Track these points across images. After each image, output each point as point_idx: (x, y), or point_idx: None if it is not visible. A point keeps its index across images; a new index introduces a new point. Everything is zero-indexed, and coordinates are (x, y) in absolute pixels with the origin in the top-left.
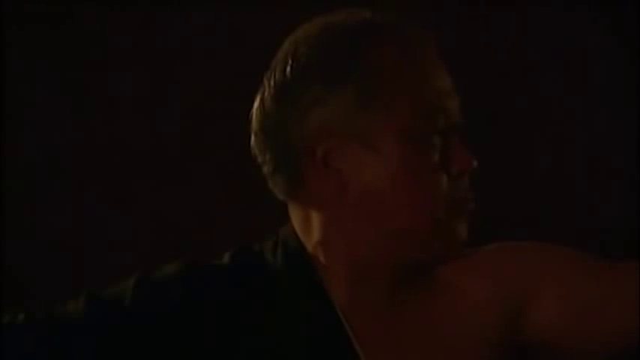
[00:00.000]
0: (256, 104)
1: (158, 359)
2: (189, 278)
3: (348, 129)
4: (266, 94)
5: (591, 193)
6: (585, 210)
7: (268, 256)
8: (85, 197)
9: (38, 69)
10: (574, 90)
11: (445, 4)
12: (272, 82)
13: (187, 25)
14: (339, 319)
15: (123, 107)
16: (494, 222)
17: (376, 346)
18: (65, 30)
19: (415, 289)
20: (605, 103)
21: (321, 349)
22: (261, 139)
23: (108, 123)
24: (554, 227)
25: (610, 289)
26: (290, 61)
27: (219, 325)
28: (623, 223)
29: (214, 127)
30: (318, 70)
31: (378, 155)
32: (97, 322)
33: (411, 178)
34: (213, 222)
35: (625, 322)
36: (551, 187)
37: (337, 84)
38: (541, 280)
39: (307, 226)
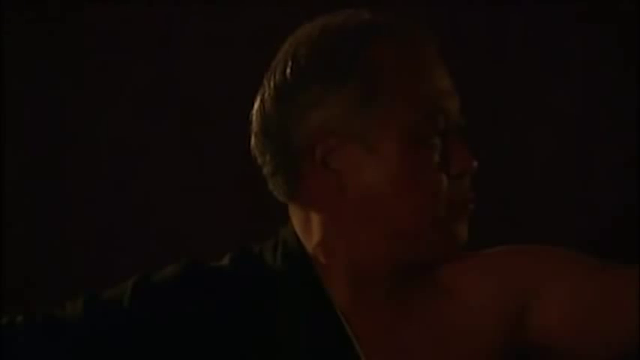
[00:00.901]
0: (256, 105)
1: None
2: (189, 279)
3: (347, 129)
4: (266, 94)
5: (591, 193)
6: (585, 210)
7: (268, 257)
8: (84, 197)
9: (38, 69)
10: (574, 89)
11: (445, 4)
12: (272, 83)
13: (188, 25)
14: (339, 319)
15: (123, 106)
16: (494, 222)
17: (376, 346)
18: (65, 29)
19: (415, 289)
20: (605, 102)
21: (322, 350)
22: (261, 140)
23: (108, 122)
24: (554, 227)
25: (611, 290)
26: (290, 62)
27: (218, 326)
28: (623, 222)
29: (215, 127)
30: (317, 70)
31: (378, 156)
32: (96, 323)
33: (410, 178)
34: (213, 222)
35: (626, 324)
36: (551, 187)
37: (337, 84)
38: (542, 281)
39: (307, 227)
